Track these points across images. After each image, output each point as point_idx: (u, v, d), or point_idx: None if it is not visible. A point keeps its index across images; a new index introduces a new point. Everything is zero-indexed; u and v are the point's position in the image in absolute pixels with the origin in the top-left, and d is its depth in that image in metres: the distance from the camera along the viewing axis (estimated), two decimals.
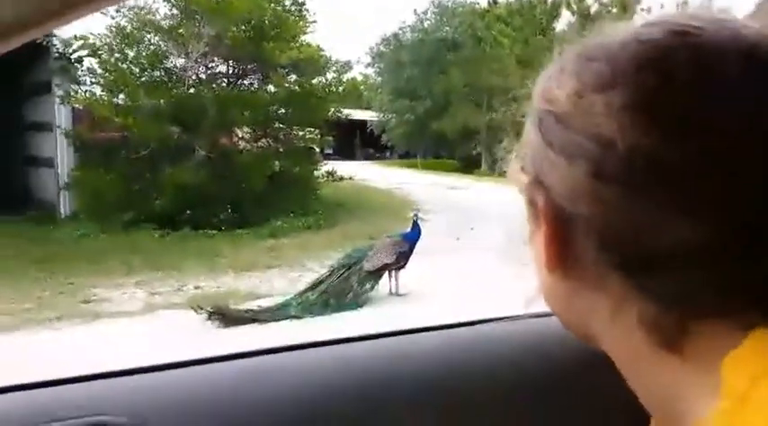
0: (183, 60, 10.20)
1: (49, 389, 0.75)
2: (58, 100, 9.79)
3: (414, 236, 6.34)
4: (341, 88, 11.60)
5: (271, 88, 10.98)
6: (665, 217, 0.38)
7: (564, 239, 0.44)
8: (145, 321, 5.45)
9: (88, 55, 10.03)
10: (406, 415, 0.78)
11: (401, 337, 0.90)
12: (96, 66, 10.11)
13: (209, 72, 10.76)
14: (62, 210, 9.94)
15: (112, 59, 10.07)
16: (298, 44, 10.98)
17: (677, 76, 0.39)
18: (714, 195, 0.38)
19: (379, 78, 25.70)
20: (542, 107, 0.45)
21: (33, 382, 0.76)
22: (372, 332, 0.90)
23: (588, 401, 0.80)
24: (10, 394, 0.74)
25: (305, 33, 11.17)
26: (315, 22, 11.16)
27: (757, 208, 0.37)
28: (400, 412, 0.78)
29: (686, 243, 0.38)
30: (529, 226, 0.48)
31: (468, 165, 20.45)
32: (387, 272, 6.06)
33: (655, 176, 0.38)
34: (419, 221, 6.52)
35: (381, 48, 24.94)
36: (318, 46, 11.37)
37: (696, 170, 0.38)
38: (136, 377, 0.78)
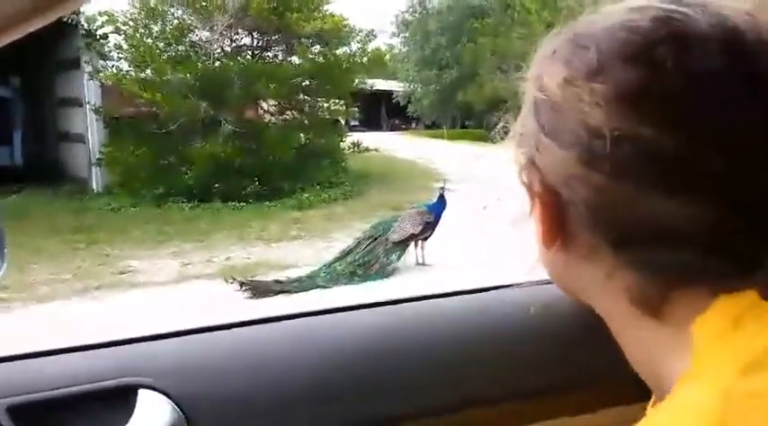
0: (208, 33, 10.20)
1: (79, 354, 0.78)
2: (86, 76, 9.93)
3: (440, 207, 6.32)
4: (365, 58, 11.48)
5: (295, 60, 10.93)
6: (653, 200, 0.40)
7: (558, 218, 0.46)
8: (179, 290, 5.60)
9: (113, 32, 10.10)
10: (415, 378, 0.80)
11: (409, 304, 0.92)
12: (122, 42, 10.19)
13: (233, 45, 10.76)
14: (94, 185, 10.17)
15: (137, 35, 10.12)
16: (321, 14, 10.87)
17: (661, 66, 0.40)
18: (698, 179, 0.39)
19: (405, 48, 25.33)
20: (536, 92, 0.46)
21: (64, 347, 0.79)
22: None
23: (590, 362, 0.81)
24: (41, 359, 0.78)
25: (328, 3, 11.06)
26: None
27: (739, 188, 0.39)
28: (410, 376, 0.80)
29: (673, 223, 0.40)
30: (527, 202, 0.50)
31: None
32: (413, 243, 6.08)
33: (641, 163, 0.40)
34: (445, 191, 6.49)
35: (407, 16, 24.51)
36: (342, 15, 11.25)
37: (681, 157, 0.39)
38: (161, 341, 0.81)
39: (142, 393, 0.73)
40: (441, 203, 6.35)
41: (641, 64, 0.41)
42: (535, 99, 0.46)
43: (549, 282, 0.55)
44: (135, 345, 0.80)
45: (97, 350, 0.79)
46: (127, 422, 0.71)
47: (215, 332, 0.83)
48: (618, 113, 0.40)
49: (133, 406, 0.72)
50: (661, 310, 0.43)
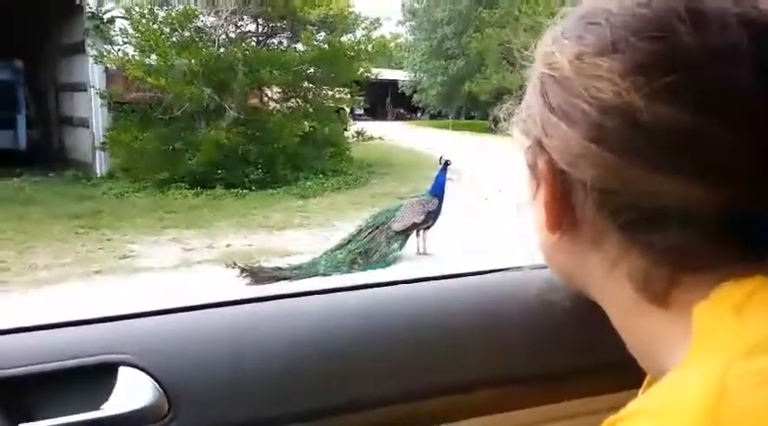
0: (213, 19, 10.15)
1: (59, 330, 0.77)
2: (91, 60, 9.90)
3: (441, 186, 6.26)
4: (370, 46, 11.41)
5: (300, 47, 10.88)
6: (662, 179, 0.39)
7: (564, 201, 0.45)
8: (180, 275, 5.61)
9: (120, 17, 10.07)
10: (405, 360, 0.79)
11: (403, 286, 0.90)
12: (128, 27, 10.15)
13: (238, 31, 10.70)
14: (97, 170, 10.18)
15: (143, 20, 10.08)
16: (326, 0, 10.80)
17: (676, 41, 0.39)
18: (709, 158, 0.38)
19: (411, 36, 25.18)
20: (544, 71, 0.45)
21: (44, 323, 0.77)
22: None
23: (589, 348, 0.80)
24: (25, 334, 0.76)
25: None
26: None
27: (752, 169, 0.38)
28: (399, 358, 0.79)
29: (682, 203, 0.39)
30: (530, 187, 0.48)
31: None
32: (415, 232, 6.06)
33: (652, 141, 0.39)
34: (447, 167, 6.41)
35: (414, 4, 24.36)
36: (347, 1, 11.18)
37: (693, 135, 0.38)
38: (143, 319, 0.79)
39: (123, 370, 0.72)
40: (441, 179, 6.28)
41: (655, 39, 0.39)
42: (543, 78, 0.45)
43: (544, 267, 0.53)
44: (116, 322, 0.79)
45: (78, 327, 0.77)
46: (107, 400, 0.70)
47: (198, 311, 0.81)
48: (630, 89, 0.39)
49: (113, 384, 0.71)
50: (665, 297, 0.42)
